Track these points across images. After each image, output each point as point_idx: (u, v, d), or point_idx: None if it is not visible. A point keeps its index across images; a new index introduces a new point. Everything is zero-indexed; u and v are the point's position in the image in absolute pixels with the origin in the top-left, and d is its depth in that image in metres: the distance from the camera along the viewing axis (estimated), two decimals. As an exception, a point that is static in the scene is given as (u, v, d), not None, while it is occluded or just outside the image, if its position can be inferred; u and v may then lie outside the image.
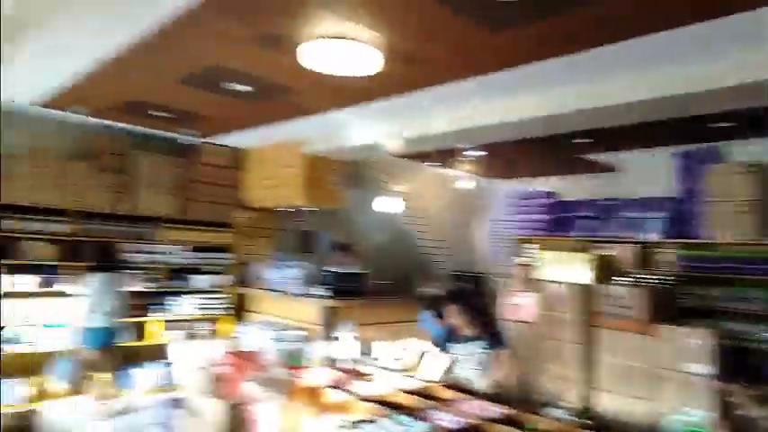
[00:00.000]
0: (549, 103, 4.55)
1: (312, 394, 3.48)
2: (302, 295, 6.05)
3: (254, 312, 6.98)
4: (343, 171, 6.99)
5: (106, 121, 6.17)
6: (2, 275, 5.50)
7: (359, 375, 3.97)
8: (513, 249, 7.01)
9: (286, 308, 6.41)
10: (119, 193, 6.29)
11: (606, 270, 4.27)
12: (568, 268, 4.25)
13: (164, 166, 6.63)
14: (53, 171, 5.83)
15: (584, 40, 3.51)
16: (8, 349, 5.54)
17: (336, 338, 4.74)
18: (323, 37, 3.55)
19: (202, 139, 6.91)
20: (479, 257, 9.69)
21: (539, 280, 4.44)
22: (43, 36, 3.77)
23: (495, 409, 3.20)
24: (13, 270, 5.59)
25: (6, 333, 5.55)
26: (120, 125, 6.32)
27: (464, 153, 7.10)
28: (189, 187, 6.87)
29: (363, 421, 2.88)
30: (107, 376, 5.55)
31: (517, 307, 4.55)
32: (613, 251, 5.29)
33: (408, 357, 4.69)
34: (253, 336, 5.95)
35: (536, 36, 3.48)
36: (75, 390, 5.51)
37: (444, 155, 7.17)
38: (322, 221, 8.42)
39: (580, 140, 6.09)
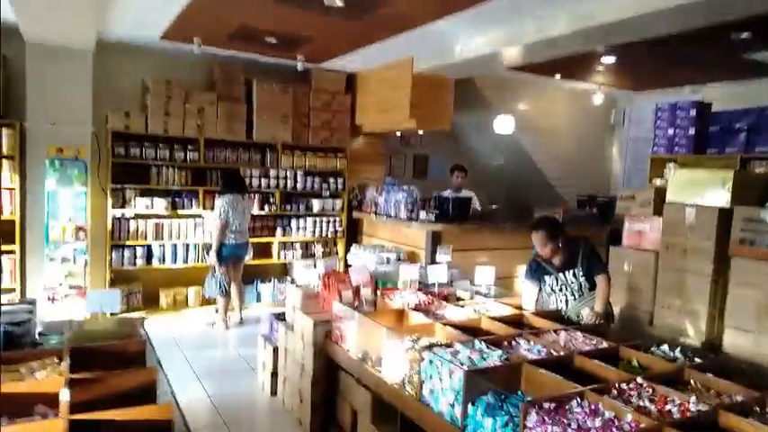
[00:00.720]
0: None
1: (396, 316, 3.40)
2: (409, 219, 5.95)
3: (367, 236, 7.08)
4: (456, 90, 6.58)
5: (222, 52, 6.37)
6: (137, 198, 6.11)
7: (450, 300, 3.81)
8: (650, 170, 6.17)
9: (395, 232, 6.39)
10: (237, 122, 6.58)
11: (755, 191, 3.51)
12: (704, 189, 3.56)
13: (278, 94, 6.76)
14: (177, 102, 6.22)
15: None
16: (153, 264, 6.26)
17: (438, 262, 4.60)
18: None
19: (314, 65, 6.89)
20: (613, 181, 8.79)
21: (667, 203, 3.80)
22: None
23: (590, 342, 2.86)
24: (147, 194, 6.19)
25: (146, 250, 6.26)
26: (235, 54, 6.50)
27: (592, 60, 6.26)
28: (303, 113, 6.98)
29: (439, 345, 2.74)
30: (235, 291, 6.05)
31: (638, 233, 3.99)
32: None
33: (513, 285, 4.43)
34: (360, 258, 6.06)
35: None
36: (211, 301, 6.12)
37: (569, 64, 6.37)
38: (435, 144, 8.15)
39: (738, 35, 5.00)
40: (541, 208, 6.60)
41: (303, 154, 6.96)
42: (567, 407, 2.10)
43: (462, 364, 2.43)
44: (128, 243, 6.13)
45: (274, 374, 4.24)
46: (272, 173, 6.77)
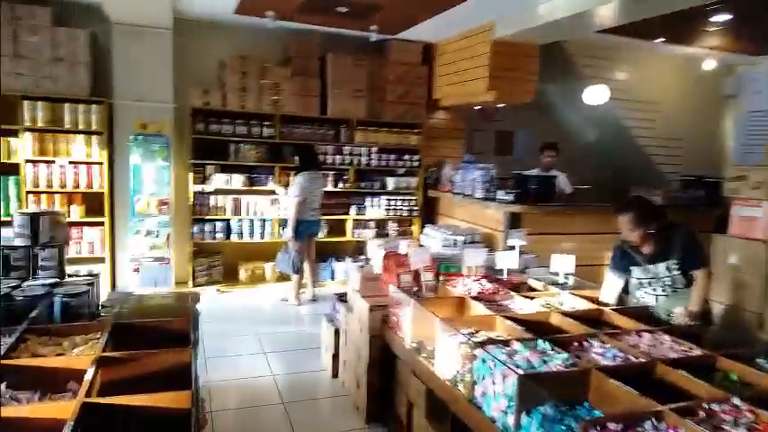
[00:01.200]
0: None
1: (456, 305, 3.13)
2: (486, 199, 5.60)
3: (444, 215, 6.79)
4: (543, 57, 6.02)
5: (297, 26, 6.28)
6: (216, 174, 6.23)
7: (521, 289, 3.47)
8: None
9: (472, 212, 6.06)
10: (311, 97, 6.48)
11: None
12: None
13: (353, 68, 6.57)
14: (253, 77, 6.22)
15: None
16: (232, 239, 6.39)
17: (512, 247, 4.25)
18: None
19: (390, 36, 6.62)
20: (726, 159, 7.79)
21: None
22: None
23: (679, 348, 2.43)
24: (226, 170, 6.29)
25: (226, 225, 6.38)
26: (310, 28, 6.38)
27: (701, 19, 5.46)
28: (378, 87, 6.76)
29: (496, 341, 2.44)
30: (308, 268, 6.04)
31: (748, 220, 3.40)
32: None
33: (600, 275, 3.98)
34: (433, 239, 5.81)
35: None
36: (286, 277, 6.14)
37: (673, 24, 5.61)
38: (521, 119, 7.62)
39: None
40: (641, 189, 5.96)
41: (378, 130, 6.76)
42: (638, 429, 1.75)
43: (518, 367, 2.13)
44: (208, 217, 6.29)
45: (335, 356, 4.13)
46: (346, 149, 6.64)
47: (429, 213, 7.04)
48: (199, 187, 6.21)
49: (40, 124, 5.49)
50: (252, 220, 6.43)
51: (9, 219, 5.52)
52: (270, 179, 6.42)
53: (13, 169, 5.48)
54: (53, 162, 5.59)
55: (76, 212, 5.73)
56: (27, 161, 5.48)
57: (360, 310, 3.55)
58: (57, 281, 2.94)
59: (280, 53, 6.60)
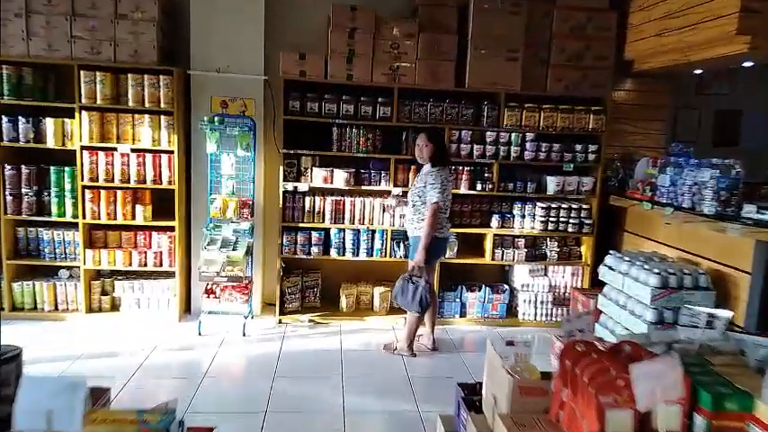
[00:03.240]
0: None
1: None
2: (717, 217, 3.36)
3: (632, 234, 4.58)
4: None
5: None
6: (314, 169, 4.69)
7: None
8: None
9: (686, 234, 3.83)
10: (444, 61, 4.64)
11: None
12: None
13: (505, 16, 4.58)
14: (365, 36, 4.54)
15: None
16: (331, 254, 4.81)
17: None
18: None
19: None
20: None
21: None
22: None
23: None
24: (326, 162, 4.73)
25: (324, 235, 4.81)
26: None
27: None
28: (540, 45, 4.73)
29: None
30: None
31: None
32: None
33: None
34: (623, 275, 3.70)
35: None
36: (399, 308, 4.42)
37: None
38: (760, 90, 5.07)
39: None
40: None
41: (536, 107, 4.71)
42: None
43: None
44: (302, 225, 4.79)
45: (455, 500, 2.31)
46: (489, 136, 4.70)
47: (608, 229, 4.86)
48: (291, 185, 4.72)
49: (99, 101, 4.36)
50: (357, 231, 4.80)
51: (63, 220, 4.55)
52: (383, 176, 4.73)
53: (69, 158, 4.43)
54: (115, 150, 4.44)
55: (141, 214, 4.55)
56: (84, 148, 4.39)
57: (505, 470, 1.67)
58: None
59: (403, 2, 4.87)
